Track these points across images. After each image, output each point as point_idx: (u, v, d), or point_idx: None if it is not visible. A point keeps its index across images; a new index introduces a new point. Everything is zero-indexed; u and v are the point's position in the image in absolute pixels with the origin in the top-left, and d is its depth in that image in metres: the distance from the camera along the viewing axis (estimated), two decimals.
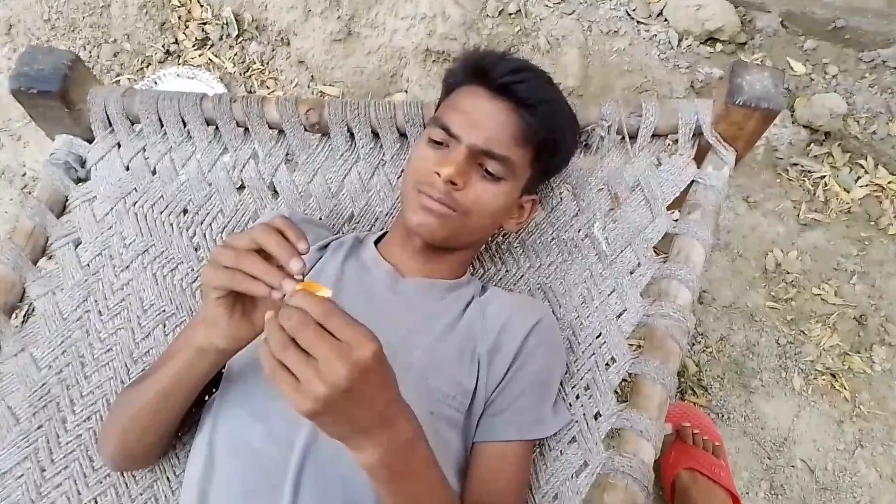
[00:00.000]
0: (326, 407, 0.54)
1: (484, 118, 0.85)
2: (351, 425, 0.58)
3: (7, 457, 0.94)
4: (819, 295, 1.62)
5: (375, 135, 1.09)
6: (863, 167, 1.75)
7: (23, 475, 0.93)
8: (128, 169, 1.10)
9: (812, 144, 1.76)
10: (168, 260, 1.06)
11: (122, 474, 0.94)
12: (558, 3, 1.83)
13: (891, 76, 1.82)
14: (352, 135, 1.08)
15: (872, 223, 1.71)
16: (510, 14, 1.79)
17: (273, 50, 1.84)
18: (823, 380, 1.52)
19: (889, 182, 1.74)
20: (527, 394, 0.87)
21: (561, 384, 0.95)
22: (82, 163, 1.10)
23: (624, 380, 0.96)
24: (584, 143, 1.05)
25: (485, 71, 0.86)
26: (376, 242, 0.97)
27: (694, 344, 1.54)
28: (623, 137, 1.05)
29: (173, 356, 0.77)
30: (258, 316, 0.69)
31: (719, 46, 1.84)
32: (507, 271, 1.07)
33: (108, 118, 1.09)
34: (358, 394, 0.55)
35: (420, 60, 1.73)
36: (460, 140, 0.85)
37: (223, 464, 0.77)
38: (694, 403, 1.48)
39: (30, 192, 1.71)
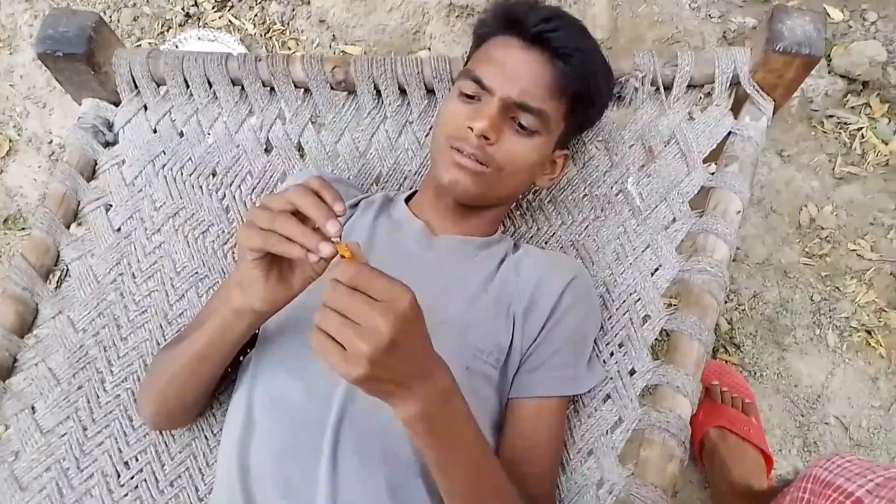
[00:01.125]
0: (373, 366, 0.54)
1: (518, 69, 0.82)
2: (395, 381, 0.58)
3: (50, 416, 0.96)
4: (855, 250, 1.58)
5: (402, 92, 1.07)
6: None
7: (66, 434, 0.95)
8: (155, 132, 1.09)
9: (849, 95, 1.70)
10: (199, 222, 1.06)
11: (161, 433, 0.96)
12: None
13: None
14: (378, 92, 1.07)
15: None
16: None
17: (293, 10, 1.81)
18: (858, 337, 1.50)
19: None
20: (562, 351, 0.87)
21: (595, 341, 0.95)
22: (110, 126, 1.10)
23: (658, 338, 0.95)
24: (616, 95, 1.02)
25: (517, 20, 0.83)
26: (406, 201, 0.96)
27: (726, 301, 1.52)
28: (657, 89, 1.02)
29: (209, 318, 0.77)
30: (295, 278, 0.69)
31: None
32: (538, 229, 1.06)
33: (133, 81, 1.08)
34: (401, 347, 0.55)
35: (443, 16, 1.69)
36: (493, 93, 0.82)
37: (262, 421, 0.78)
38: (726, 361, 1.46)
39: (57, 159, 1.72)
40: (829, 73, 1.69)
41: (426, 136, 1.08)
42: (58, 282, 1.08)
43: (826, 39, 1.71)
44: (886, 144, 1.67)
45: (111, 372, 0.98)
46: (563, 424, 0.91)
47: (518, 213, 1.07)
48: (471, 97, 0.85)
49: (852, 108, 1.70)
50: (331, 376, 0.75)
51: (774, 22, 0.94)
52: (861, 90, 1.70)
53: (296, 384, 0.77)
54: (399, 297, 0.56)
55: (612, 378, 0.93)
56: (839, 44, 1.72)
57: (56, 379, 0.97)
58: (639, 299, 0.97)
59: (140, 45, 1.82)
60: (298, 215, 0.62)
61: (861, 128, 1.68)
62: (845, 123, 1.68)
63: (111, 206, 1.07)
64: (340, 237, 0.60)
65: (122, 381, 0.97)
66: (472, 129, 0.81)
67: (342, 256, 0.59)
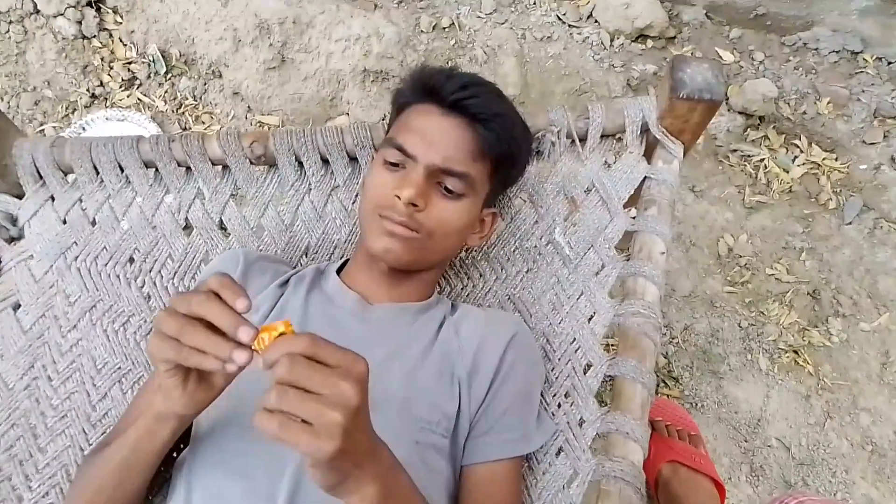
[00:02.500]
0: (345, 437, 0.52)
1: (439, 136, 0.83)
2: (353, 461, 0.55)
3: None
4: (773, 275, 1.66)
5: (325, 161, 1.06)
6: (798, 147, 1.82)
7: None
8: (65, 222, 1.04)
9: (748, 129, 1.81)
10: (118, 314, 1.00)
11: None
12: (490, 14, 1.84)
13: (813, 57, 1.89)
14: (300, 163, 1.05)
15: (813, 200, 1.77)
16: (444, 28, 1.79)
17: (205, 84, 1.79)
18: (787, 357, 1.56)
19: (823, 159, 1.80)
20: (510, 411, 0.85)
21: (542, 394, 0.94)
22: (14, 221, 1.03)
23: (603, 382, 0.96)
24: (535, 150, 1.04)
25: (435, 89, 0.84)
26: (338, 271, 0.94)
27: (661, 336, 1.56)
28: (573, 141, 1.06)
29: (132, 423, 0.72)
30: (216, 377, 0.66)
31: (650, 42, 1.88)
32: (473, 286, 1.06)
33: (37, 171, 1.03)
34: (362, 416, 0.54)
35: (359, 81, 1.71)
36: (417, 160, 0.83)
37: None
38: (668, 396, 1.49)
39: None
40: (729, 110, 1.80)
41: (353, 203, 1.07)
42: None
43: None
44: (787, 172, 1.78)
45: (29, 488, 0.90)
46: (519, 485, 0.89)
47: (452, 271, 1.07)
48: (395, 165, 0.85)
49: (753, 141, 1.81)
50: (274, 475, 0.71)
51: (676, 71, 0.99)
52: (759, 124, 1.82)
53: (236, 485, 0.72)
54: (355, 360, 0.54)
55: (562, 431, 0.93)
56: (733, 83, 1.84)
57: None
58: (579, 347, 0.97)
59: (43, 129, 1.75)
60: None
61: (763, 159, 1.79)
62: (748, 156, 1.79)
63: (20, 305, 1.00)
64: (257, 336, 0.56)
65: (43, 497, 0.89)
66: (399, 197, 0.81)
67: (281, 334, 0.56)
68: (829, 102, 1.84)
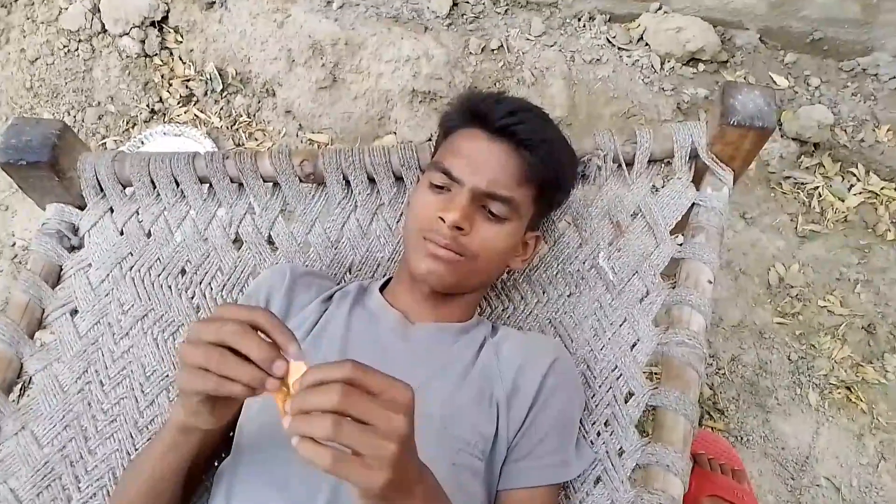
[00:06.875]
0: (397, 468, 0.52)
1: (485, 160, 0.84)
2: (404, 487, 0.55)
3: None
4: (825, 307, 1.61)
5: (371, 180, 1.08)
6: (854, 175, 1.76)
7: None
8: (122, 233, 1.08)
9: (802, 156, 1.77)
10: (168, 323, 1.03)
11: None
12: (539, 36, 1.85)
13: (872, 84, 1.84)
14: (347, 182, 1.07)
15: (870, 230, 1.71)
16: (493, 50, 1.81)
17: (259, 102, 1.84)
18: (839, 393, 1.50)
19: (882, 188, 1.74)
20: (549, 436, 0.85)
21: (581, 422, 0.93)
22: (75, 230, 1.08)
23: (644, 412, 0.94)
24: (581, 173, 1.04)
25: (483, 113, 0.85)
26: (381, 289, 0.95)
27: (706, 367, 1.52)
28: (619, 165, 1.05)
29: (160, 434, 0.73)
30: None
31: (702, 66, 1.86)
32: (514, 308, 1.05)
33: (99, 184, 1.07)
34: (411, 443, 0.54)
35: (407, 102, 1.74)
36: (462, 183, 0.83)
37: None
38: (712, 428, 1.45)
39: (20, 262, 1.69)
40: (782, 136, 1.76)
41: (397, 222, 1.08)
42: (21, 391, 1.04)
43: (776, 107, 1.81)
44: (843, 201, 1.73)
45: (78, 489, 0.93)
46: None
47: (494, 293, 1.07)
48: (440, 188, 0.86)
49: (807, 168, 1.76)
50: (312, 484, 0.72)
51: (727, 98, 0.98)
52: (813, 151, 1.77)
53: (276, 493, 0.73)
54: (403, 388, 0.54)
55: (600, 460, 0.91)
56: (787, 108, 1.80)
57: (18, 501, 0.91)
58: (620, 375, 0.96)
59: (105, 142, 1.82)
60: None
61: (817, 187, 1.74)
62: (802, 183, 1.74)
63: (77, 311, 1.04)
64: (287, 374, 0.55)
65: (91, 498, 0.92)
66: (444, 219, 0.82)
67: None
68: (888, 130, 1.78)
